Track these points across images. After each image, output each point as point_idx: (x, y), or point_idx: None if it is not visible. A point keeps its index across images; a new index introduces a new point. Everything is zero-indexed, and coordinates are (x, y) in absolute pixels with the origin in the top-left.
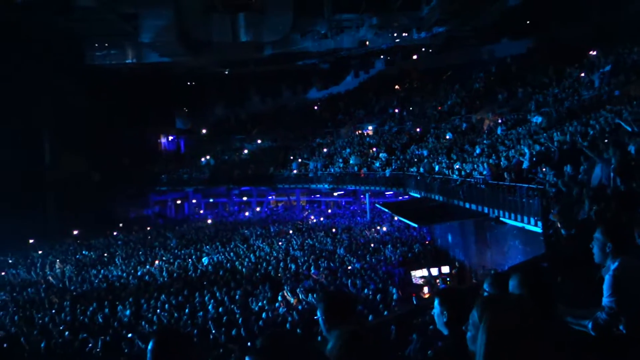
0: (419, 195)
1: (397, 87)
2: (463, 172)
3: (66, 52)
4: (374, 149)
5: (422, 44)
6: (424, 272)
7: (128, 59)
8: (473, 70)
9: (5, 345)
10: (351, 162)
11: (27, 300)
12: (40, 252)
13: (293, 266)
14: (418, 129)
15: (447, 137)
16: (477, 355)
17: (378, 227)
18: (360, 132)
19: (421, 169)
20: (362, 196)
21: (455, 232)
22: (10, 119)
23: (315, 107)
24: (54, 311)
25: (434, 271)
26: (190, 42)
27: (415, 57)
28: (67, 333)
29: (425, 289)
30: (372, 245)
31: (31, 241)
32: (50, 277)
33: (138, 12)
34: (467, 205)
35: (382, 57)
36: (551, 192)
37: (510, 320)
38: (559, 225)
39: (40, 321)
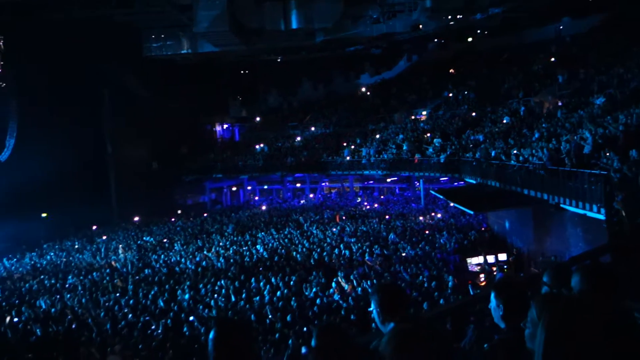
0: (474, 182)
1: (451, 70)
2: (521, 158)
3: (125, 44)
4: (428, 135)
5: (477, 26)
6: (479, 259)
7: (183, 50)
8: (531, 52)
9: (74, 326)
10: (404, 148)
11: (93, 284)
12: (104, 237)
13: (347, 253)
14: (473, 114)
15: (504, 121)
16: (536, 354)
17: (432, 214)
18: (413, 117)
19: (477, 155)
20: (416, 182)
21: (513, 219)
22: (75, 111)
23: (368, 93)
24: (117, 294)
25: (491, 259)
26: (243, 31)
27: (470, 39)
28: (130, 315)
29: (482, 277)
30: (426, 232)
31: (94, 227)
32: (113, 262)
33: (193, 3)
34: (525, 192)
35: (435, 40)
36: (615, 177)
37: (571, 321)
38: (623, 214)
39: (106, 304)
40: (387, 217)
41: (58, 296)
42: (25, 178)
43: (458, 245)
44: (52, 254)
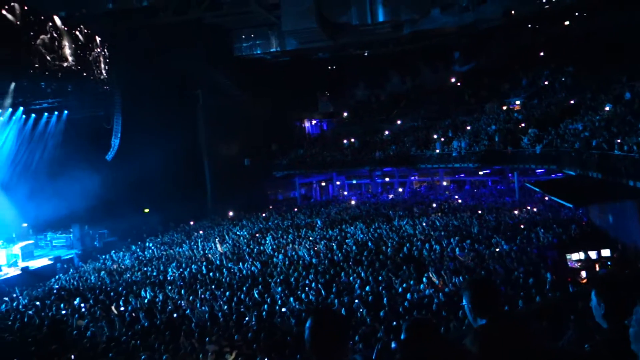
0: (574, 173)
1: (546, 56)
2: (625, 147)
3: (217, 46)
4: (522, 125)
5: (574, 8)
6: (580, 255)
7: (272, 48)
8: (636, 32)
9: (175, 315)
10: (497, 139)
11: (191, 276)
12: (200, 232)
13: (437, 247)
14: (572, 101)
15: (606, 108)
16: None
17: (528, 207)
18: (506, 107)
19: (576, 145)
20: (510, 175)
21: (617, 212)
22: (172, 112)
23: (458, 84)
24: (213, 286)
25: (593, 254)
26: (329, 27)
27: (567, 23)
28: (225, 307)
29: (583, 274)
30: (521, 226)
31: (192, 222)
32: (209, 255)
33: (280, 1)
34: (631, 183)
35: (529, 25)
36: None
37: None
38: None
39: (202, 295)
40: (479, 211)
41: (160, 287)
42: (129, 176)
43: (556, 240)
44: (153, 247)
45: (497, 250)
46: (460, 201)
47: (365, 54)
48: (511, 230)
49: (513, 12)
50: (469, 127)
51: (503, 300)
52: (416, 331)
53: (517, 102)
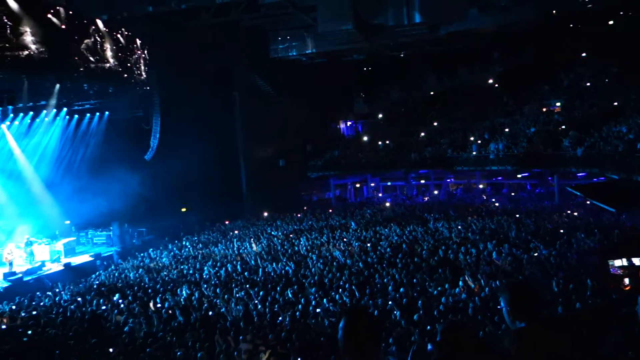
0: (617, 177)
1: (588, 57)
2: None
3: (253, 47)
4: (563, 127)
5: (618, 7)
6: (623, 261)
7: (308, 50)
8: None
9: (210, 313)
10: (536, 141)
11: (227, 275)
12: (236, 231)
13: (474, 251)
14: (615, 103)
15: None
16: None
17: (568, 212)
18: (546, 109)
19: (620, 147)
20: (549, 178)
21: None
22: (209, 113)
23: (496, 85)
24: (248, 285)
25: (637, 261)
26: (366, 28)
27: (611, 22)
28: (259, 306)
29: (626, 281)
30: (561, 230)
31: (227, 222)
32: (244, 255)
33: (317, 3)
34: None
35: (570, 25)
36: None
37: None
38: None
39: (237, 294)
40: (517, 215)
41: (196, 285)
42: (167, 176)
43: (598, 245)
44: (190, 246)
45: (536, 255)
46: (497, 204)
47: (402, 55)
48: (550, 235)
49: (554, 11)
50: (507, 129)
51: (542, 304)
52: (452, 334)
53: (558, 104)
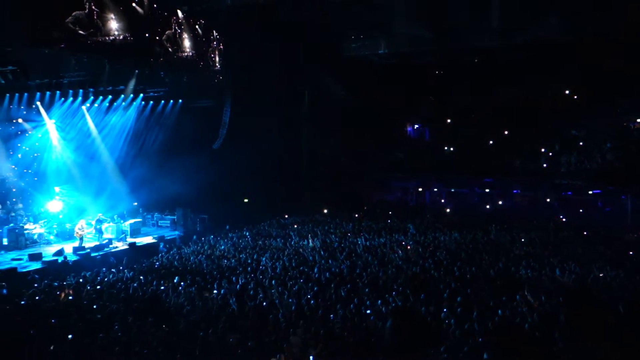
0: None
1: None
2: None
3: (325, 46)
4: None
5: None
6: None
7: (380, 50)
8: None
9: (264, 304)
10: (611, 157)
11: (282, 268)
12: (295, 225)
13: (536, 265)
14: None
15: None
16: None
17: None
18: (627, 123)
19: None
20: (622, 197)
21: None
22: (278, 109)
23: (574, 97)
24: (302, 280)
25: None
26: (440, 31)
27: None
28: (312, 302)
29: None
30: (630, 252)
31: (286, 216)
32: (300, 250)
33: (391, 3)
34: None
35: None
36: None
37: None
38: None
39: (292, 288)
40: (584, 232)
41: (252, 275)
42: (232, 166)
43: None
44: (249, 236)
45: (601, 275)
46: (564, 220)
47: (475, 60)
48: (619, 255)
49: None
50: (580, 143)
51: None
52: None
53: (638, 120)
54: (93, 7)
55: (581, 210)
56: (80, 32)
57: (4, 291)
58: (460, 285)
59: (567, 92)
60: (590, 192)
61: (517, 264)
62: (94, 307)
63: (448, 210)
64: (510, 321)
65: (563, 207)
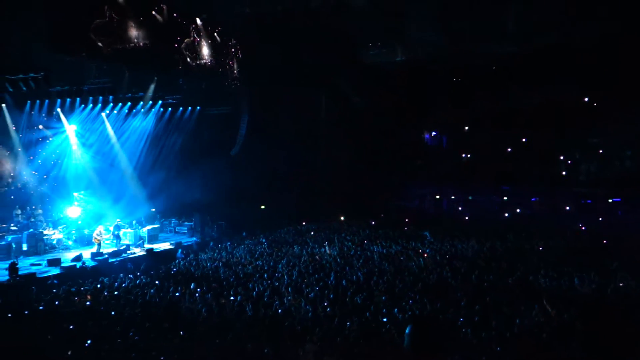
0: None
1: None
2: None
3: (342, 51)
4: None
5: None
6: None
7: (397, 57)
8: None
9: (279, 311)
10: (631, 165)
11: (299, 275)
12: (311, 232)
13: (554, 274)
14: None
15: None
16: None
17: None
18: None
19: None
20: None
21: None
22: (294, 114)
23: (594, 104)
24: (317, 288)
25: None
26: (456, 38)
27: None
28: (328, 309)
29: None
30: None
31: (304, 223)
32: (317, 257)
33: (406, 9)
34: None
35: None
36: None
37: None
38: None
39: (308, 295)
40: (604, 240)
41: (269, 282)
42: (249, 172)
43: None
44: (266, 243)
45: (621, 284)
46: (584, 228)
47: (493, 68)
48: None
49: None
50: (600, 150)
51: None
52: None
53: None
54: (113, 15)
55: (601, 219)
56: (101, 39)
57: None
58: (478, 294)
59: (586, 99)
60: (610, 200)
61: (535, 272)
62: (112, 312)
63: (466, 217)
64: (528, 330)
65: (582, 215)
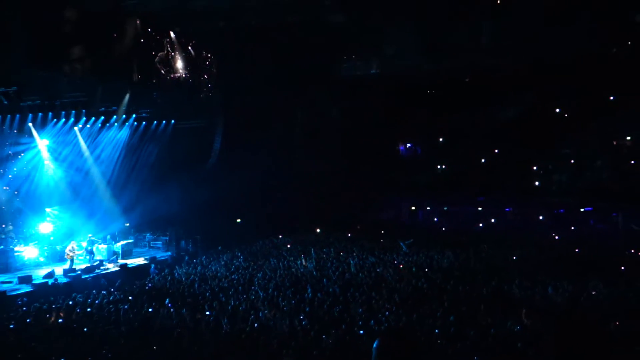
0: None
1: None
2: None
3: (318, 65)
4: (633, 162)
5: None
6: None
7: (372, 70)
8: None
9: (255, 325)
10: (603, 175)
11: (275, 288)
12: (288, 245)
13: (528, 283)
14: None
15: None
16: None
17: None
18: (616, 142)
19: None
20: (614, 214)
21: None
22: (270, 128)
23: (565, 115)
24: (293, 301)
25: None
26: (432, 51)
27: None
28: (304, 322)
29: None
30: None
31: (280, 236)
32: (293, 269)
33: (384, 25)
34: None
35: None
36: None
37: None
38: None
39: (284, 308)
40: (576, 249)
41: (245, 296)
42: (224, 186)
43: None
44: (242, 256)
45: (594, 293)
46: (557, 237)
47: (466, 80)
48: (612, 273)
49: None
50: (572, 161)
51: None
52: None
53: (628, 137)
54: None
55: (573, 228)
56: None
57: None
58: (454, 304)
59: (557, 110)
60: (582, 210)
61: (510, 282)
62: (85, 329)
63: (443, 228)
64: (504, 340)
65: (555, 224)
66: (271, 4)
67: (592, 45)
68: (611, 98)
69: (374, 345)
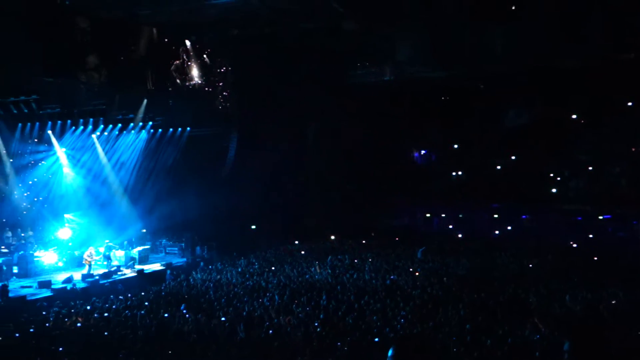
0: None
1: None
2: None
3: (331, 72)
4: None
5: None
6: None
7: (385, 77)
8: None
9: (270, 331)
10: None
11: (290, 295)
12: (302, 252)
13: (546, 291)
14: None
15: None
16: None
17: None
18: (634, 149)
19: None
20: (634, 222)
21: None
22: (282, 136)
23: (582, 121)
24: (308, 308)
25: None
26: (445, 58)
27: None
28: (319, 329)
29: None
30: None
31: (296, 242)
32: (308, 276)
33: (396, 31)
34: None
35: None
36: None
37: None
38: None
39: (299, 315)
40: (594, 257)
41: (260, 302)
42: (240, 193)
43: None
44: (257, 263)
45: (613, 302)
46: (575, 245)
47: (481, 86)
48: (631, 281)
49: None
50: (590, 167)
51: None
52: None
53: None
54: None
55: (591, 236)
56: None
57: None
58: (469, 312)
59: (574, 116)
60: (601, 217)
61: (526, 290)
62: (103, 334)
63: (459, 235)
64: (521, 349)
65: (572, 232)
66: (284, 11)
67: (609, 50)
68: (629, 104)
69: (389, 353)
